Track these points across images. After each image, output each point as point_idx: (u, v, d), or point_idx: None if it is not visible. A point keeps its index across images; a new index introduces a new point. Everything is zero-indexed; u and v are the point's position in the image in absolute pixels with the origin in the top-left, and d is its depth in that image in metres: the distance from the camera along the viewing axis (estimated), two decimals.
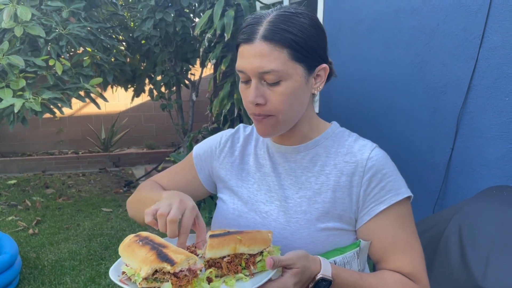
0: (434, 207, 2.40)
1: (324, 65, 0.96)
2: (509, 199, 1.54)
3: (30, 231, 3.90)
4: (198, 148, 1.17)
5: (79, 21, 4.04)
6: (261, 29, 0.89)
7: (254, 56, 0.89)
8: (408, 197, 0.97)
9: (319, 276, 0.83)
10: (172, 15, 4.26)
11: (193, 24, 4.51)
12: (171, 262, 0.75)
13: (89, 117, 7.03)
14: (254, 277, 0.83)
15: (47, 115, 3.78)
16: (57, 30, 3.78)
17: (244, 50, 0.91)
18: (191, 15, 4.64)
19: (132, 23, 5.01)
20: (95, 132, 6.97)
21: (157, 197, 0.96)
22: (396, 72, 2.66)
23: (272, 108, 0.92)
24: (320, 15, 3.42)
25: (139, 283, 0.76)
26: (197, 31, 3.73)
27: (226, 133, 1.15)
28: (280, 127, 0.95)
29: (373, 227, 0.95)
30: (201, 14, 4.19)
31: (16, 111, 3.24)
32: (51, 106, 3.72)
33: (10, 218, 4.24)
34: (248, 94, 0.93)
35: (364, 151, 0.97)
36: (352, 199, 0.95)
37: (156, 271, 0.76)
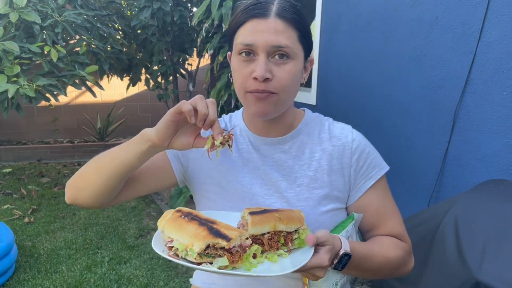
0: (430, 200, 2.41)
1: (313, 57, 1.00)
2: (505, 192, 1.55)
3: (26, 219, 3.89)
4: None
5: (75, 8, 4.00)
6: (274, 7, 0.92)
7: (268, 31, 0.90)
8: None
9: (342, 251, 0.88)
10: (170, 4, 4.22)
11: (191, 14, 4.47)
12: (226, 238, 0.77)
13: (84, 106, 6.98)
14: (292, 253, 0.88)
15: (42, 103, 3.76)
16: (52, 17, 3.74)
17: (257, 25, 0.91)
18: (189, 5, 4.60)
19: (129, 12, 4.96)
20: (91, 122, 6.93)
21: (126, 144, 0.95)
22: (394, 65, 2.66)
23: (277, 84, 0.91)
24: (318, 7, 3.40)
25: (195, 258, 0.77)
26: (194, 21, 3.71)
27: None
28: (279, 107, 0.95)
29: (365, 201, 1.03)
30: (199, 4, 4.16)
31: (10, 96, 3.21)
32: (46, 93, 3.69)
33: (5, 206, 4.23)
34: (252, 70, 0.91)
35: (347, 134, 1.04)
36: (345, 180, 1.01)
37: (207, 246, 0.77)
